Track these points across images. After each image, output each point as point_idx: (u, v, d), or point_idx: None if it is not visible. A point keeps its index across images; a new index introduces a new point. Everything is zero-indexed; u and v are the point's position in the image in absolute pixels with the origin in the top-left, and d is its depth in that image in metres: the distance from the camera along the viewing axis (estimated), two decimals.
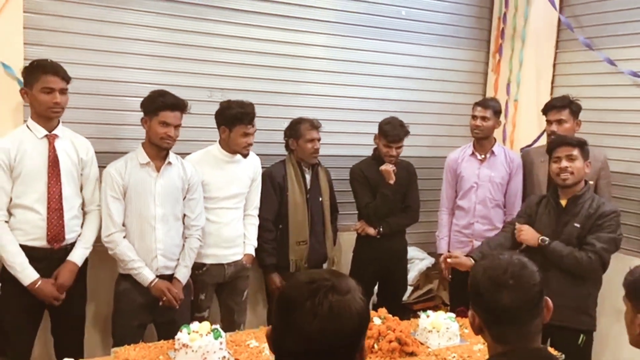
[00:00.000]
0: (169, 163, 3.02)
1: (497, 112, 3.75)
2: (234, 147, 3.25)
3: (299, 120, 3.59)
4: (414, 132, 4.21)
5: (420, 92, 4.51)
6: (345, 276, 1.22)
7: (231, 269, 3.34)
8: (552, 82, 4.51)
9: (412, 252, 4.35)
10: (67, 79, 2.80)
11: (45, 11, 3.24)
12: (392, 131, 3.63)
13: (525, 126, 4.41)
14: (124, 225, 2.94)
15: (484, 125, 3.69)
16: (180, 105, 2.93)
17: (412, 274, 4.36)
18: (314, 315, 1.12)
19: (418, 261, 4.44)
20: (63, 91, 2.79)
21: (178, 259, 3.08)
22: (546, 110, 3.63)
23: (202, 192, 3.19)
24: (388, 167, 3.63)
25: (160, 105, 2.88)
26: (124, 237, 2.93)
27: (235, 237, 3.34)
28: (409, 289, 4.29)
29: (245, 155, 3.30)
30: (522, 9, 4.44)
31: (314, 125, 3.55)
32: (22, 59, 3.09)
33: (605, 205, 2.98)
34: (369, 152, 3.92)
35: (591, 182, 3.44)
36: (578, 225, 2.95)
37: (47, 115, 2.78)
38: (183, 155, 3.29)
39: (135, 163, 2.96)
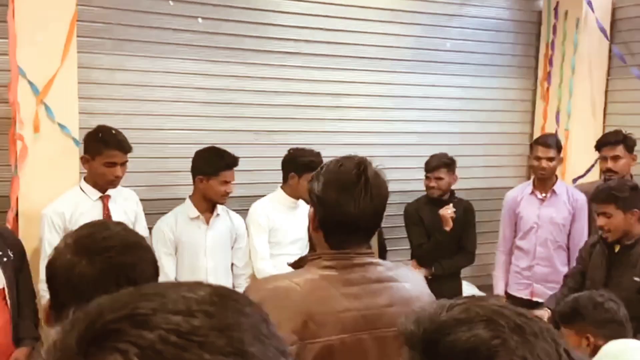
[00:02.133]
0: (217, 215, 3.06)
1: (559, 149, 3.63)
2: (302, 194, 3.25)
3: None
4: (465, 164, 4.16)
5: (468, 124, 4.43)
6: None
7: None
8: (605, 110, 4.39)
9: (465, 288, 4.25)
10: (129, 150, 2.84)
11: (96, 65, 3.32)
12: (429, 161, 3.64)
13: (578, 156, 4.28)
14: (176, 279, 2.97)
15: (550, 165, 3.56)
16: (236, 163, 3.00)
17: None
18: (366, 187, 1.38)
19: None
20: (124, 163, 2.83)
21: None
22: (600, 146, 3.52)
23: (267, 238, 3.20)
24: (446, 212, 3.54)
25: (222, 166, 2.94)
26: None
27: None
28: None
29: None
30: (570, 36, 4.33)
31: None
32: (77, 113, 3.17)
33: None
34: (419, 186, 3.86)
35: None
36: (638, 280, 2.80)
37: (105, 187, 2.84)
38: (244, 198, 3.39)
39: (184, 217, 3.00)
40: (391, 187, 4.20)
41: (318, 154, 3.27)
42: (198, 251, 2.98)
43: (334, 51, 3.92)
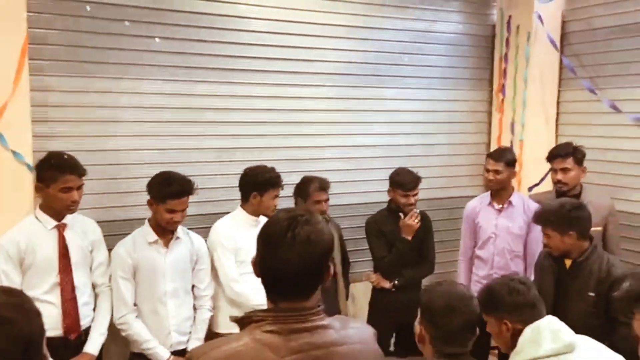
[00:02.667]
0: (177, 238, 3.05)
1: (509, 163, 3.69)
2: (265, 211, 3.25)
3: (308, 180, 3.59)
4: (425, 175, 4.23)
5: (427, 136, 4.52)
6: (315, 213, 1.45)
7: None
8: (557, 121, 4.53)
9: None
10: (84, 174, 2.80)
11: (50, 87, 3.27)
12: (406, 180, 3.66)
13: (532, 166, 4.40)
14: (135, 304, 2.95)
15: (497, 178, 3.65)
16: (186, 191, 2.94)
17: None
18: (292, 243, 1.34)
19: None
20: (80, 187, 2.79)
21: (190, 332, 3.08)
22: (550, 158, 3.63)
23: (234, 259, 3.18)
24: (413, 222, 3.63)
25: (168, 194, 2.90)
26: (137, 316, 2.94)
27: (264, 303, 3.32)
28: None
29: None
30: (522, 49, 4.45)
31: (323, 186, 3.55)
32: (30, 138, 3.11)
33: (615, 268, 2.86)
34: (379, 198, 3.95)
35: (599, 229, 3.43)
36: (592, 295, 2.87)
37: (62, 213, 2.80)
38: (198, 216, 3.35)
39: (142, 241, 2.98)
40: (353, 199, 4.30)
41: (273, 169, 3.29)
42: (157, 275, 2.96)
43: (292, 67, 3.95)
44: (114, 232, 3.29)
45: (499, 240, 3.72)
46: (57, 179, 2.71)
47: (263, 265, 1.41)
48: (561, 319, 2.10)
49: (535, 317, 2.09)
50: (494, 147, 4.66)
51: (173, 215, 2.91)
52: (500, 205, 3.74)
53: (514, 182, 4.49)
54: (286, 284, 1.38)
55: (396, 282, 3.74)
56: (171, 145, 3.61)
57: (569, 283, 2.92)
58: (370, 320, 3.84)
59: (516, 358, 2.04)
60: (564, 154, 3.56)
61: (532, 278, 3.25)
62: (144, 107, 3.53)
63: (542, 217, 2.97)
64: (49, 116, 3.27)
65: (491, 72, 4.73)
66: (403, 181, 3.67)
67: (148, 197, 2.97)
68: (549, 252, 3.02)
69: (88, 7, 3.30)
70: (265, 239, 1.41)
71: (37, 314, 1.19)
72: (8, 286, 1.29)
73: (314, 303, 1.43)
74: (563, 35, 4.46)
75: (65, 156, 2.80)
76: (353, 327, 1.48)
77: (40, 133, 3.20)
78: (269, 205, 3.24)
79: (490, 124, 4.77)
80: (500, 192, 3.73)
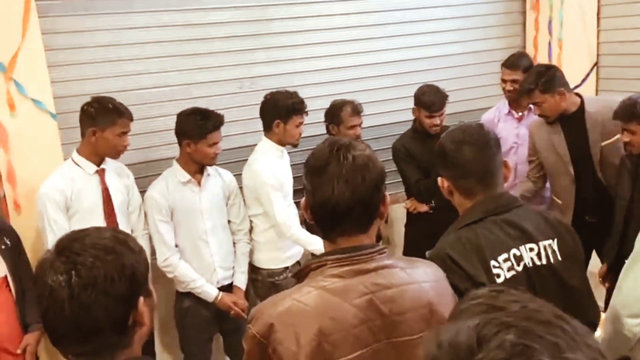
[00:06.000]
0: (208, 175, 2.99)
1: (527, 69, 3.41)
2: (290, 140, 3.12)
3: (341, 104, 3.42)
4: (456, 87, 4.04)
5: (455, 45, 4.24)
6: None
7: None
8: (598, 14, 4.20)
9: None
10: (132, 119, 2.81)
11: (61, 29, 3.12)
12: (432, 101, 3.40)
13: (573, 65, 4.12)
14: (176, 246, 2.93)
15: (515, 87, 3.43)
16: (221, 122, 2.90)
17: None
18: (339, 170, 1.26)
19: None
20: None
21: (233, 267, 3.08)
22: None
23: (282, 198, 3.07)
24: (411, 206, 3.57)
25: (209, 129, 2.83)
26: (180, 258, 2.93)
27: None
28: None
29: (296, 145, 3.21)
30: None
31: (356, 110, 3.38)
32: (49, 84, 3.02)
33: None
34: (406, 117, 3.76)
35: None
36: None
37: (113, 156, 2.79)
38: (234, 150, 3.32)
39: (175, 181, 2.92)
40: (381, 120, 4.12)
41: (296, 94, 3.12)
42: (195, 214, 2.93)
43: None
44: (142, 174, 3.25)
45: (521, 148, 3.55)
46: (115, 122, 2.69)
47: (314, 202, 1.31)
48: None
49: None
50: (529, 50, 4.39)
51: (216, 149, 2.87)
52: (520, 113, 3.55)
53: None
54: (340, 216, 1.28)
55: (432, 203, 3.58)
56: (193, 80, 3.46)
57: None
58: (409, 245, 3.75)
59: None
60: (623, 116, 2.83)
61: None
62: (158, 42, 3.34)
63: (626, 112, 2.68)
64: (61, 59, 3.14)
65: None
66: (429, 101, 3.40)
67: (184, 140, 2.88)
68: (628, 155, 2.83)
69: None
70: (310, 171, 1.33)
71: (141, 250, 1.19)
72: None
73: (374, 240, 1.34)
74: None
75: (117, 101, 2.78)
76: (420, 267, 1.39)
77: (57, 79, 3.09)
78: (293, 133, 3.09)
79: (525, 24, 4.45)
80: (519, 99, 3.51)
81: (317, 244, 2.95)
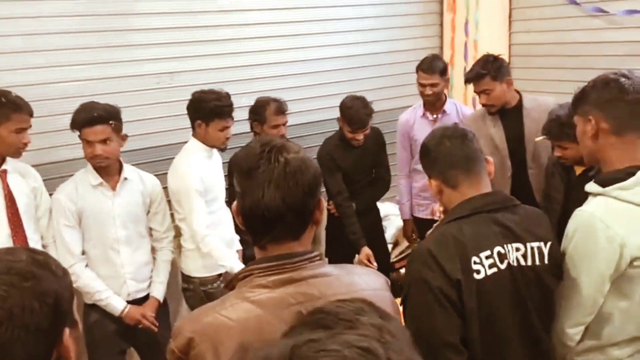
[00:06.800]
0: (125, 179, 2.75)
1: (443, 72, 3.46)
2: (213, 143, 2.92)
3: (264, 102, 3.30)
4: (374, 86, 4.07)
5: (375, 44, 4.25)
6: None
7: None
8: (510, 17, 4.36)
9: (387, 208, 4.27)
10: (33, 114, 2.51)
11: None
12: (355, 119, 3.31)
13: None
14: (83, 253, 2.70)
15: (435, 91, 3.45)
16: (99, 118, 2.57)
17: (390, 232, 4.29)
18: (269, 172, 1.18)
19: (394, 217, 4.37)
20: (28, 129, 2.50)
21: (151, 277, 2.88)
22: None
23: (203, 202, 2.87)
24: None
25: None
26: (86, 266, 2.70)
27: (234, 239, 3.12)
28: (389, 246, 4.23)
29: (224, 150, 3.01)
30: None
31: (280, 109, 3.26)
32: None
33: None
34: (329, 114, 3.74)
35: None
36: None
37: (12, 155, 2.51)
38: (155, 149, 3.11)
39: (85, 184, 2.68)
40: (309, 117, 4.08)
41: (225, 96, 2.92)
42: (105, 220, 2.69)
43: None
44: (52, 175, 3.00)
45: None
46: (10, 117, 2.41)
47: (243, 206, 1.22)
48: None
49: None
50: (447, 51, 4.49)
51: (90, 149, 2.58)
52: (435, 115, 3.59)
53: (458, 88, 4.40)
54: (271, 222, 1.19)
55: (354, 206, 3.50)
56: (101, 75, 3.22)
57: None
58: (330, 246, 3.71)
59: None
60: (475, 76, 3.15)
61: None
62: (67, 32, 3.11)
63: (557, 131, 2.64)
64: None
65: None
66: (353, 119, 3.31)
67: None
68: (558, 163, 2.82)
69: None
70: (239, 172, 1.24)
71: (65, 273, 1.02)
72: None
73: (309, 247, 1.26)
74: None
75: (14, 94, 2.48)
76: (359, 274, 1.31)
77: None
78: (216, 136, 2.89)
79: (442, 25, 4.55)
80: (436, 102, 3.54)
81: (229, 261, 2.81)
